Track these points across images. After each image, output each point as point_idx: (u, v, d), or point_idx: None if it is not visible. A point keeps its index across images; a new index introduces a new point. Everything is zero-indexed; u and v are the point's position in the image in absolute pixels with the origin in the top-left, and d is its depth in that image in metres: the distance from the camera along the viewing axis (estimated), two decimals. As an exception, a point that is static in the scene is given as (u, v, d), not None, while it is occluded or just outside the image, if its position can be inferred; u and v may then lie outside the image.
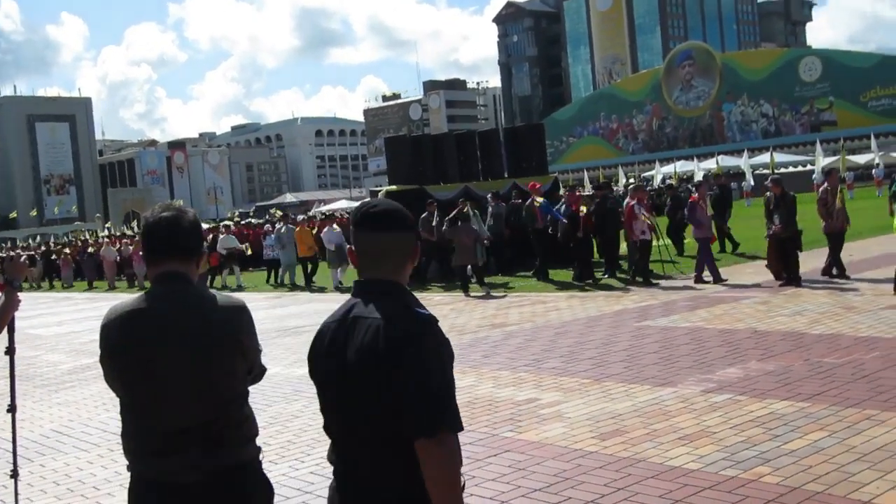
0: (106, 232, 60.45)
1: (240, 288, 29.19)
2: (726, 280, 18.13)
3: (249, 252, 33.01)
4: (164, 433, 3.43)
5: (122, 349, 3.46)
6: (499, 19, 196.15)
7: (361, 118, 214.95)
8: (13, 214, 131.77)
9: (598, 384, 9.96)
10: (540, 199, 22.73)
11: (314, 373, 3.23)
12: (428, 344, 2.95)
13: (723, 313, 14.43)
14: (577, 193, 23.06)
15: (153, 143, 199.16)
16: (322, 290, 25.82)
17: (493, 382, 10.70)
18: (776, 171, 51.71)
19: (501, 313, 16.98)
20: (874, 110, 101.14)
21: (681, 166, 76.81)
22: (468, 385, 10.50)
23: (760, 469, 6.68)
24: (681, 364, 10.73)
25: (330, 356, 3.11)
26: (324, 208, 78.64)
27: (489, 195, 25.02)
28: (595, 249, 22.47)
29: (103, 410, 11.35)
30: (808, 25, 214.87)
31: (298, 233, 27.68)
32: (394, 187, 26.41)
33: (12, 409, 5.90)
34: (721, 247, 23.62)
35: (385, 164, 30.87)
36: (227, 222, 42.94)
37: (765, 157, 71.61)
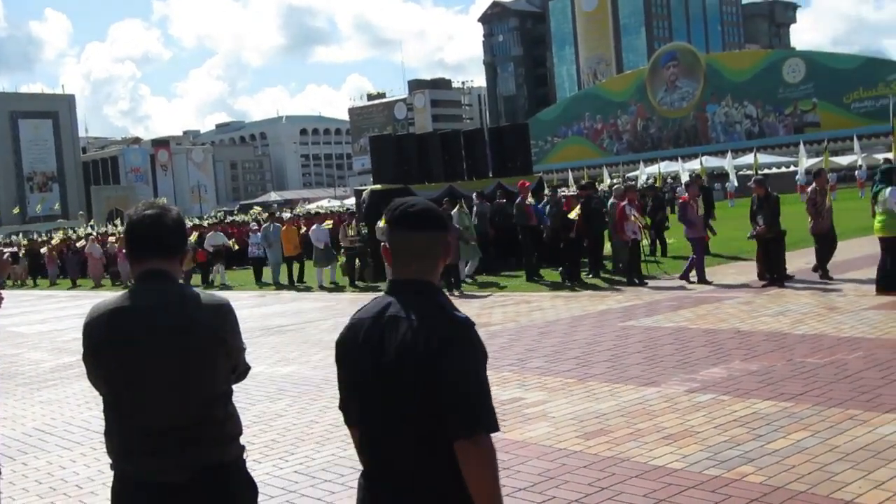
0: (89, 230, 60.13)
1: (224, 286, 29.11)
2: (711, 281, 18.14)
3: (236, 248, 32.89)
4: (147, 432, 3.42)
5: (105, 347, 3.44)
6: (484, 19, 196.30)
7: (346, 117, 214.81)
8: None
9: (582, 384, 9.97)
10: (531, 200, 22.74)
11: (345, 368, 3.26)
12: (465, 346, 2.99)
13: (706, 313, 14.46)
14: (560, 195, 23.01)
15: (137, 140, 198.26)
16: (309, 289, 25.71)
17: (478, 382, 10.67)
18: (760, 172, 51.85)
19: (485, 313, 16.98)
20: (857, 112, 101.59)
21: (665, 167, 76.94)
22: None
23: (744, 468, 6.70)
24: (665, 364, 10.75)
25: (365, 354, 3.12)
26: (308, 206, 78.43)
27: (474, 194, 25.02)
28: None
29: (86, 409, 11.30)
30: (793, 27, 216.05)
31: (285, 232, 27.62)
32: (378, 186, 26.39)
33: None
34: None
35: (370, 163, 30.85)
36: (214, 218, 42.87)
37: (748, 158, 71.87)
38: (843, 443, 7.11)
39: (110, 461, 3.54)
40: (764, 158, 73.58)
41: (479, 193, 24.63)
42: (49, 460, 8.99)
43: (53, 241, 45.60)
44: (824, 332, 11.86)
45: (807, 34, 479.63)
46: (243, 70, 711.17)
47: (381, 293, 3.24)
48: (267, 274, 29.25)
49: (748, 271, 18.66)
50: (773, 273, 17.03)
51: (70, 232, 58.60)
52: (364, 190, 27.57)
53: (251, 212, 59.77)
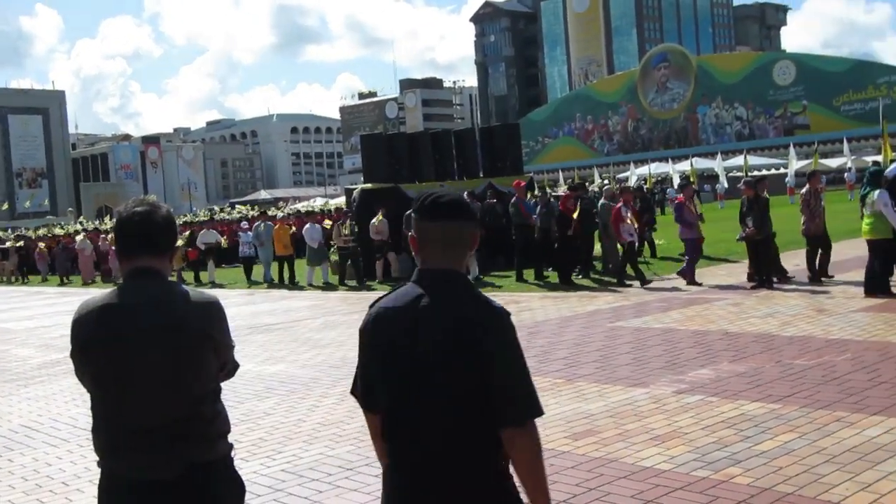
0: (78, 226, 59.92)
1: (215, 284, 29.04)
2: (700, 283, 18.15)
3: (226, 245, 32.81)
4: (135, 429, 3.41)
5: (93, 344, 3.43)
6: (476, 19, 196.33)
7: (337, 116, 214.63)
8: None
9: (571, 384, 9.97)
10: (533, 197, 22.78)
11: (373, 355, 3.27)
12: (507, 334, 3.07)
13: (695, 315, 14.48)
14: (548, 196, 22.99)
15: (127, 137, 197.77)
16: (301, 288, 25.65)
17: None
18: (749, 173, 51.92)
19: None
20: (847, 114, 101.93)
21: (655, 168, 77.10)
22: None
23: (731, 470, 6.71)
24: (653, 365, 10.77)
25: (397, 342, 3.15)
26: (298, 205, 78.30)
27: (465, 194, 24.99)
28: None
29: (73, 406, 11.27)
30: (783, 29, 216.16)
31: (277, 231, 27.56)
32: (369, 185, 26.38)
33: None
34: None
35: (360, 161, 30.82)
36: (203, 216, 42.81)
37: (738, 160, 72.00)
38: (830, 445, 7.12)
39: (97, 458, 3.53)
40: (754, 160, 73.72)
41: (471, 193, 24.56)
42: (35, 457, 8.97)
43: (42, 244, 45.32)
44: (813, 334, 11.88)
45: (797, 36, 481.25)
46: (234, 68, 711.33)
47: (406, 283, 3.27)
48: (257, 272, 29.19)
49: (737, 273, 18.70)
50: (762, 275, 17.06)
51: (58, 229, 58.40)
52: (355, 189, 27.55)
53: (238, 208, 59.64)
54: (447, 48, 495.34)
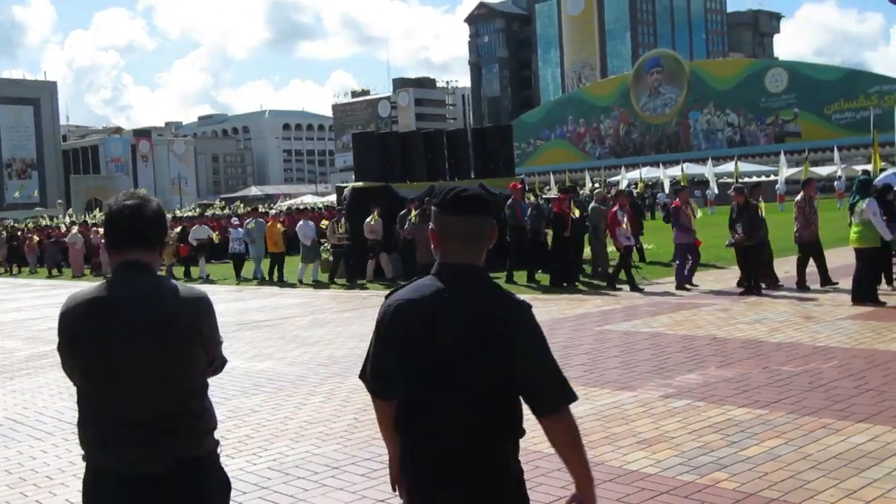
0: (67, 219, 59.77)
1: (207, 280, 28.96)
2: (689, 289, 18.16)
3: (217, 241, 32.71)
4: (121, 424, 3.40)
5: (81, 337, 3.42)
6: (470, 19, 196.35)
7: (330, 113, 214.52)
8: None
9: (558, 386, 9.94)
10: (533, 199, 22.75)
11: (392, 345, 3.31)
12: (531, 327, 3.15)
13: (684, 319, 14.51)
14: (537, 199, 22.95)
15: (118, 130, 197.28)
16: (292, 285, 25.56)
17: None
18: (740, 180, 52.05)
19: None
20: (838, 123, 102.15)
21: (646, 172, 77.18)
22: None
23: (717, 475, 6.72)
24: (641, 369, 10.78)
25: (416, 337, 3.19)
26: (290, 202, 78.26)
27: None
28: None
29: (59, 399, 11.24)
30: (776, 37, 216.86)
31: (269, 228, 27.47)
32: (360, 184, 26.36)
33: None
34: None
35: (352, 160, 30.77)
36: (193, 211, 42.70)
37: (729, 166, 72.06)
38: (816, 451, 7.14)
39: (83, 452, 3.52)
40: (744, 167, 73.82)
41: None
42: (20, 450, 8.94)
43: (35, 237, 45.12)
44: (800, 341, 11.92)
45: (790, 44, 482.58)
46: (227, 63, 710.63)
47: (424, 276, 3.31)
48: (247, 269, 29.11)
49: (727, 278, 18.73)
50: (750, 281, 17.09)
51: (46, 220, 58.24)
52: (346, 187, 27.52)
53: (235, 204, 59.50)
54: (441, 48, 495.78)
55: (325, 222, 27.47)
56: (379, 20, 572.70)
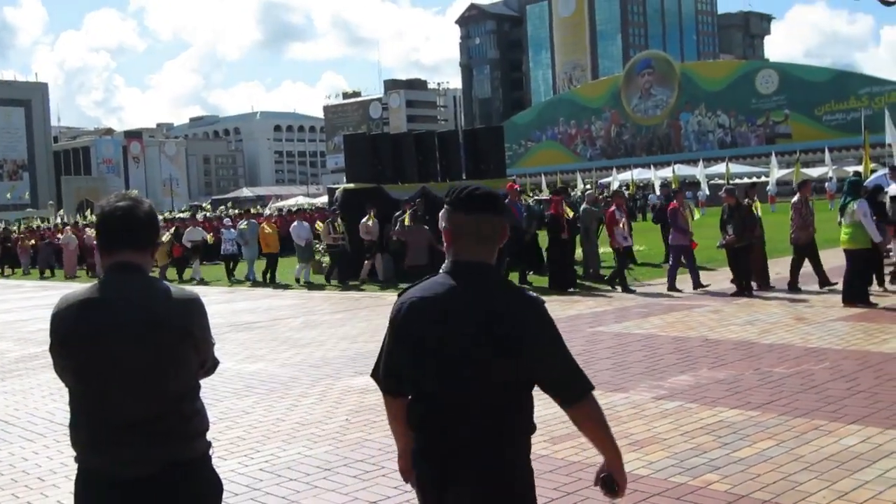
0: (59, 220, 59.65)
1: (201, 281, 28.89)
2: (681, 291, 18.13)
3: (211, 241, 32.56)
4: (113, 425, 3.39)
5: (73, 338, 3.41)
6: (461, 21, 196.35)
7: (321, 114, 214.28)
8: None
9: (551, 388, 9.94)
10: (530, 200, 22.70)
11: (406, 343, 3.34)
12: (544, 322, 3.24)
13: (675, 321, 14.52)
14: (527, 201, 22.89)
15: (109, 131, 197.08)
16: (286, 286, 25.47)
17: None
18: (731, 181, 52.12)
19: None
20: (828, 124, 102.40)
21: (638, 174, 77.22)
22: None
23: (709, 476, 6.72)
24: (633, 370, 10.79)
25: (429, 335, 3.24)
26: (281, 203, 78.20)
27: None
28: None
29: (50, 400, 11.21)
30: (767, 38, 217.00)
31: (262, 229, 27.35)
32: (351, 185, 26.34)
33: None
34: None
35: (343, 161, 30.73)
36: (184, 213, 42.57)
37: (720, 168, 72.27)
38: (808, 453, 7.15)
39: (74, 453, 3.51)
40: (736, 168, 73.96)
41: None
42: (11, 451, 8.91)
43: (31, 240, 44.99)
44: (792, 343, 11.93)
45: (780, 46, 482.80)
46: (218, 64, 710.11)
47: (438, 274, 3.35)
48: (240, 270, 29.02)
49: (718, 280, 18.74)
50: (741, 282, 17.11)
51: (37, 221, 58.11)
52: (337, 188, 27.49)
53: (225, 206, 59.37)
54: (432, 49, 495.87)
55: (319, 224, 27.42)
56: (369, 21, 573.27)
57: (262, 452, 8.25)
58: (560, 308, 16.95)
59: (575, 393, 3.28)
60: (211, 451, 3.62)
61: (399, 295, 3.41)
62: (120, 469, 3.37)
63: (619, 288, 18.90)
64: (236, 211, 50.72)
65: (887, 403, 8.50)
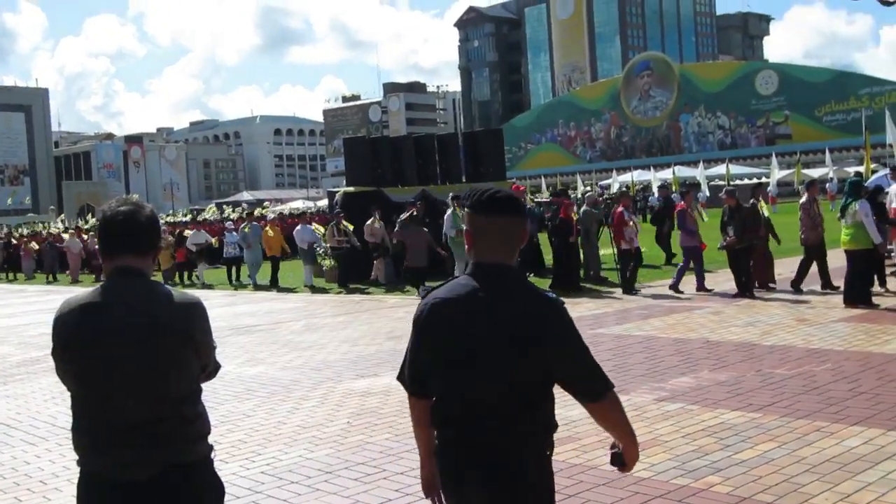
0: (60, 224, 59.62)
1: (204, 285, 28.87)
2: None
3: (216, 245, 32.49)
4: (115, 428, 3.40)
5: (75, 342, 3.42)
6: (460, 24, 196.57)
7: (321, 118, 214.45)
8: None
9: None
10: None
11: (431, 344, 3.41)
12: (565, 323, 3.29)
13: (676, 323, 14.51)
14: (531, 202, 22.85)
15: (110, 136, 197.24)
16: (288, 290, 25.39)
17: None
18: (731, 182, 52.11)
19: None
20: (828, 125, 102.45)
21: (637, 175, 77.23)
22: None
23: (711, 478, 6.72)
24: (634, 372, 10.78)
25: (452, 336, 3.29)
26: (280, 207, 78.17)
27: (450, 196, 24.64)
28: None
29: (52, 404, 11.21)
30: (766, 39, 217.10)
31: (267, 233, 27.26)
32: (351, 188, 26.35)
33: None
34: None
35: (343, 164, 30.73)
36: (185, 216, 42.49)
37: (720, 169, 72.26)
38: (809, 454, 7.14)
39: (77, 457, 3.51)
40: (736, 169, 73.96)
41: (455, 196, 24.21)
42: (13, 455, 8.91)
43: (34, 243, 44.95)
44: (793, 344, 11.92)
45: (780, 46, 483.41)
46: (218, 69, 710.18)
47: (460, 276, 3.42)
48: (242, 273, 28.92)
49: (719, 281, 18.72)
50: (741, 282, 17.08)
51: (40, 226, 58.10)
52: (337, 192, 27.48)
53: (226, 210, 59.23)
54: (431, 53, 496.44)
55: (316, 226, 27.37)
56: (368, 25, 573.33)
57: (264, 455, 8.24)
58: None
59: (596, 391, 3.35)
60: (212, 455, 3.62)
61: (423, 297, 3.48)
62: (122, 471, 3.38)
63: (619, 290, 18.87)
64: (235, 214, 50.55)
65: (889, 405, 8.49)
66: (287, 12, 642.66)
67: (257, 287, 26.78)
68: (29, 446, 9.24)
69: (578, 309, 16.95)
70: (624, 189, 29.34)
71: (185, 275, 31.12)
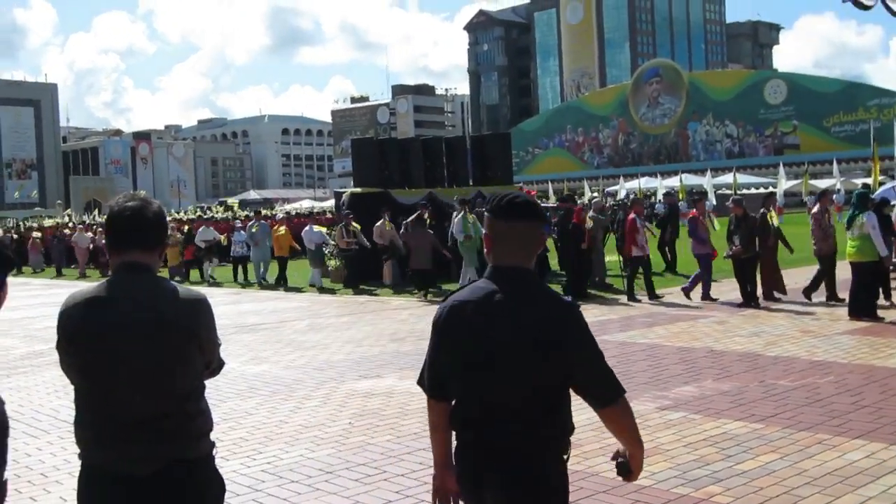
0: (66, 219, 59.69)
1: (214, 282, 28.88)
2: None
3: (225, 242, 32.46)
4: (117, 423, 3.41)
5: (80, 336, 3.43)
6: (470, 27, 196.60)
7: (329, 119, 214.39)
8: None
9: (554, 396, 9.92)
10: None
11: (450, 347, 3.46)
12: (582, 327, 3.38)
13: (680, 331, 14.49)
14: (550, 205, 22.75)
15: (118, 132, 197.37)
16: (295, 290, 25.39)
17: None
18: (738, 191, 52.10)
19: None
20: (837, 136, 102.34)
21: (644, 182, 77.17)
22: (422, 392, 10.42)
23: (712, 488, 6.71)
24: (637, 380, 10.76)
25: (471, 338, 3.37)
26: (288, 206, 78.20)
27: (455, 198, 24.63)
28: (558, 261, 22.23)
29: (55, 398, 11.23)
30: (775, 48, 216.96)
31: (275, 232, 27.25)
32: (358, 189, 26.34)
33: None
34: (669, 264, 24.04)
35: (351, 165, 30.75)
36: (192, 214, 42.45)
37: (728, 178, 72.13)
38: (811, 467, 7.13)
39: (79, 451, 3.52)
40: (743, 178, 73.90)
41: (462, 200, 24.17)
42: (15, 447, 8.88)
43: (38, 234, 44.98)
44: (797, 355, 11.90)
45: (789, 56, 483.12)
46: (227, 67, 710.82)
47: (481, 279, 3.47)
48: (249, 273, 28.90)
49: (725, 291, 18.69)
50: (745, 292, 17.06)
51: (46, 220, 58.16)
52: (344, 192, 27.47)
53: (234, 208, 59.24)
54: (440, 55, 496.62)
55: (319, 227, 27.35)
56: (378, 27, 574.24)
57: (265, 454, 8.25)
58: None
59: (608, 396, 3.40)
60: (214, 452, 3.63)
61: (443, 300, 3.53)
62: (125, 466, 3.39)
63: (624, 296, 18.84)
64: (244, 213, 50.53)
65: (892, 419, 8.47)
66: (297, 12, 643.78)
67: (263, 286, 26.78)
68: (31, 439, 9.26)
69: (585, 315, 16.89)
70: (636, 196, 29.15)
71: (192, 272, 31.09)
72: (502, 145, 29.49)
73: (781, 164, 72.17)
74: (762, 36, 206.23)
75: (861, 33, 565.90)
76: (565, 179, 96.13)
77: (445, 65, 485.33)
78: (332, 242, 25.48)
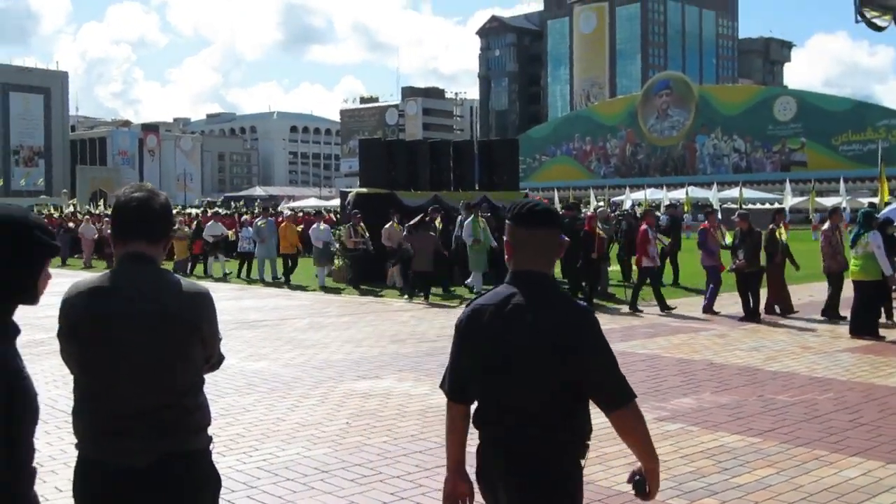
0: (72, 208, 59.77)
1: (224, 277, 28.90)
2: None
3: (233, 238, 32.46)
4: (116, 415, 3.40)
5: (82, 326, 3.42)
6: (482, 32, 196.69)
7: (337, 118, 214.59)
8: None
9: (553, 403, 9.91)
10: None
11: (470, 350, 3.52)
12: (597, 330, 3.41)
13: (681, 343, 14.49)
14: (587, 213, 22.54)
15: (126, 123, 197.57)
16: (300, 288, 25.34)
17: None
18: (744, 206, 52.02)
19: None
20: (845, 154, 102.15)
21: (650, 194, 77.11)
22: (422, 394, 10.46)
23: (707, 501, 6.70)
24: (636, 390, 10.70)
25: (491, 341, 3.43)
26: (293, 204, 78.27)
27: (461, 203, 24.63)
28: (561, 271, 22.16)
29: (54, 387, 11.23)
30: (786, 65, 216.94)
31: (284, 228, 27.24)
32: (364, 190, 26.34)
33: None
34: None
35: (357, 165, 30.75)
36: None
37: (734, 192, 72.07)
38: (807, 483, 7.12)
39: (76, 441, 3.51)
40: (749, 193, 73.86)
41: (468, 204, 24.17)
42: (12, 436, 8.89)
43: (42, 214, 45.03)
44: (797, 371, 11.89)
45: (800, 73, 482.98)
46: (238, 62, 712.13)
47: (501, 285, 3.54)
48: (254, 269, 28.86)
49: (727, 304, 18.67)
50: (750, 306, 17.05)
51: (51, 209, 58.23)
52: (350, 192, 27.47)
53: (239, 204, 59.30)
54: (451, 59, 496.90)
55: (324, 226, 27.31)
56: (390, 28, 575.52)
57: (261, 451, 8.25)
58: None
59: (620, 400, 3.43)
60: (211, 446, 3.62)
61: (466, 305, 3.60)
62: (122, 458, 3.38)
63: (626, 307, 18.81)
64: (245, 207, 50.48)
65: (890, 437, 8.47)
66: (310, 10, 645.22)
67: (267, 282, 26.77)
68: (28, 427, 9.23)
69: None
70: (648, 208, 29.13)
71: (194, 266, 31.12)
72: (510, 151, 29.50)
73: (788, 181, 72.12)
74: (774, 53, 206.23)
75: (873, 54, 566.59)
76: (571, 187, 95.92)
77: (456, 69, 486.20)
78: (340, 241, 25.45)
